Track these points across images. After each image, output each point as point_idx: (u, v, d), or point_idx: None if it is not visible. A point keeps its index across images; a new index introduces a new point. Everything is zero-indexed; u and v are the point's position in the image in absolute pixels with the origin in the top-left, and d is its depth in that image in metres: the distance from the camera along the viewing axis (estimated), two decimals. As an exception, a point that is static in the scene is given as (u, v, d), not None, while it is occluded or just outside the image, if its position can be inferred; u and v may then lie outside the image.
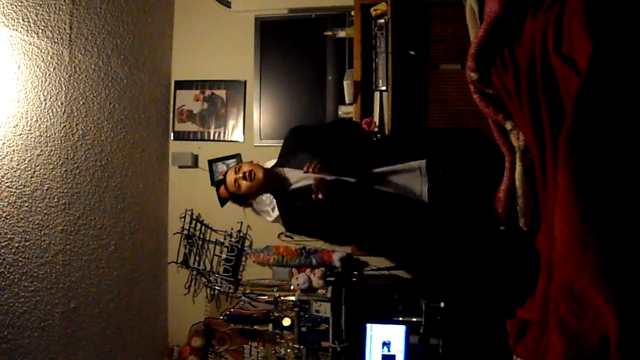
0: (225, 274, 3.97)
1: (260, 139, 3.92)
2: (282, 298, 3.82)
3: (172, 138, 4.18)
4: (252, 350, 3.93)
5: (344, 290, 3.15)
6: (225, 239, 4.02)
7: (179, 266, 4.09)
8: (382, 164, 2.45)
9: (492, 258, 2.67)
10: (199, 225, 4.07)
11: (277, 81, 3.91)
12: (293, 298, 3.75)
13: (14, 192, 2.85)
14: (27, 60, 2.93)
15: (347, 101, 3.53)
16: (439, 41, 3.50)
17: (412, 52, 3.45)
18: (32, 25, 2.93)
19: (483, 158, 2.37)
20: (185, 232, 4.07)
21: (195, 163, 4.12)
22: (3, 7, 2.77)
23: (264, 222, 3.84)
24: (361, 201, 2.41)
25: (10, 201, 2.83)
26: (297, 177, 2.49)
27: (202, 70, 4.14)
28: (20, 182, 2.88)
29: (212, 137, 4.09)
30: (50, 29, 3.05)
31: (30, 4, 2.92)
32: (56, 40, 3.09)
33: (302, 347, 3.76)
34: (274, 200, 3.65)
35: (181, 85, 4.17)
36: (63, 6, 3.12)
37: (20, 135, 2.89)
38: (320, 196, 2.29)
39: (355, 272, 3.69)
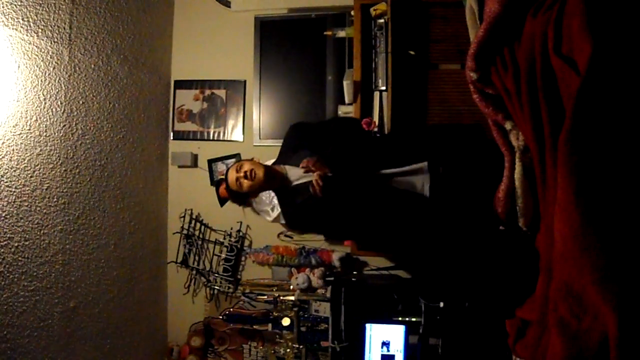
0: (225, 274, 3.97)
1: (260, 138, 3.93)
2: (281, 298, 3.82)
3: (171, 138, 4.18)
4: (252, 350, 3.93)
5: (343, 290, 3.15)
6: (224, 238, 4.02)
7: (178, 266, 4.09)
8: (384, 165, 2.45)
9: (491, 258, 2.67)
10: (198, 224, 4.07)
11: (276, 81, 3.91)
12: (292, 298, 3.75)
13: (14, 191, 2.85)
14: (27, 60, 2.93)
15: (346, 101, 3.53)
16: (439, 41, 3.50)
17: (412, 52, 3.45)
18: (32, 24, 2.93)
19: (484, 154, 2.37)
20: (185, 231, 4.07)
21: (194, 163, 4.12)
22: (3, 7, 2.77)
23: (264, 221, 3.84)
24: (362, 197, 2.41)
25: (9, 200, 2.83)
26: (298, 175, 2.50)
27: (201, 69, 4.14)
28: (19, 181, 2.88)
29: (211, 137, 4.09)
30: (50, 28, 3.05)
31: (30, 3, 2.92)
32: (56, 39, 3.09)
33: (301, 346, 3.76)
34: (274, 200, 3.66)
35: (181, 84, 4.17)
36: (63, 6, 3.12)
37: (19, 134, 2.89)
38: (317, 189, 2.29)
39: (355, 272, 3.69)
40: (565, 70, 1.66)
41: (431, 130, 3.30)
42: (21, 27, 2.88)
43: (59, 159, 3.14)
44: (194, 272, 4.08)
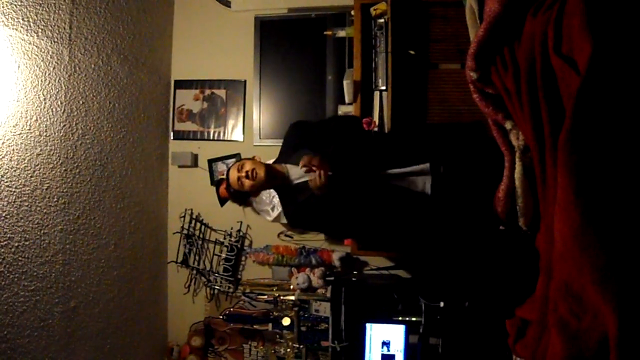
0: (225, 274, 3.97)
1: (260, 138, 3.93)
2: (281, 297, 3.82)
3: (171, 137, 4.18)
4: (252, 350, 3.93)
5: (343, 289, 3.15)
6: (225, 238, 4.02)
7: (178, 266, 4.09)
8: (386, 164, 2.45)
9: (491, 258, 2.67)
10: (198, 224, 4.08)
11: (276, 81, 3.91)
12: (293, 297, 3.76)
13: (14, 191, 2.85)
14: (27, 60, 2.93)
15: (346, 101, 3.53)
16: (439, 41, 3.49)
17: (412, 52, 3.45)
18: (32, 24, 2.93)
19: (484, 153, 2.37)
20: (185, 231, 4.07)
21: (195, 162, 4.12)
22: (3, 7, 2.77)
23: (264, 221, 3.85)
24: (364, 195, 2.42)
25: (9, 200, 2.83)
26: (299, 173, 2.49)
27: (201, 69, 4.14)
28: (19, 181, 2.88)
29: (211, 137, 4.09)
30: (50, 28, 3.05)
31: (30, 3, 2.92)
32: (56, 39, 3.09)
33: (301, 346, 3.76)
34: (274, 200, 3.67)
35: (181, 84, 4.17)
36: (63, 5, 3.12)
37: (19, 134, 2.89)
38: (320, 184, 2.29)
39: (355, 272, 3.69)
40: (565, 70, 1.66)
41: (432, 129, 3.30)
42: (21, 27, 2.88)
43: (59, 159, 3.14)
44: (194, 271, 4.08)
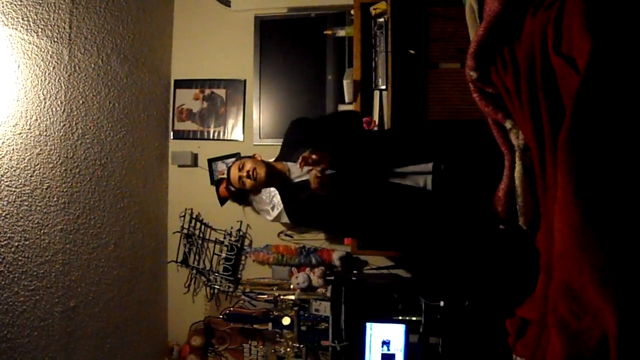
0: (225, 273, 3.97)
1: (260, 138, 3.93)
2: (281, 297, 3.82)
3: (171, 137, 4.18)
4: (252, 349, 3.93)
5: (343, 289, 3.15)
6: (224, 238, 4.02)
7: (178, 265, 4.09)
8: (387, 160, 2.44)
9: (492, 257, 2.67)
10: (198, 224, 4.08)
11: (276, 80, 3.91)
12: (293, 297, 3.76)
13: (14, 191, 2.85)
14: (27, 60, 2.93)
15: (346, 100, 3.53)
16: (439, 40, 3.50)
17: (411, 51, 3.45)
18: (31, 24, 2.93)
19: (485, 151, 2.36)
20: (185, 231, 4.07)
21: (194, 162, 4.12)
22: (3, 6, 2.77)
23: (264, 221, 3.85)
24: (365, 192, 2.41)
25: (9, 200, 2.83)
26: (300, 171, 2.49)
27: (201, 69, 4.14)
28: (19, 181, 2.88)
29: (211, 136, 4.09)
30: (50, 28, 3.05)
31: (30, 3, 2.92)
32: (56, 39, 3.09)
33: (301, 346, 3.76)
34: (274, 199, 3.67)
35: (181, 84, 4.17)
36: (63, 5, 3.12)
37: (19, 134, 2.89)
38: (317, 186, 2.28)
39: (355, 271, 3.69)
40: (565, 69, 1.66)
41: (432, 126, 3.30)
42: (21, 26, 2.88)
43: (59, 159, 3.14)
44: (194, 271, 4.09)
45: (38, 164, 3.00)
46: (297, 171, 2.52)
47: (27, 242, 2.92)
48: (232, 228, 4.01)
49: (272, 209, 3.72)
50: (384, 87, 3.39)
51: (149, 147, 3.95)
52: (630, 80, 1.50)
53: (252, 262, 3.97)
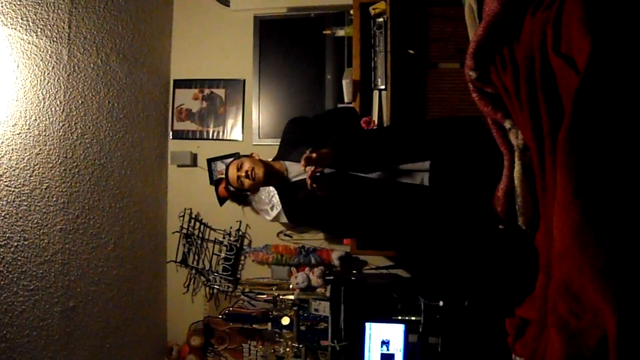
0: (224, 273, 3.97)
1: (259, 137, 3.92)
2: (281, 297, 3.82)
3: (171, 137, 4.18)
4: (251, 349, 3.93)
5: (342, 289, 3.15)
6: (224, 237, 4.02)
7: (178, 265, 4.09)
8: (385, 157, 2.44)
9: (491, 257, 2.67)
10: (197, 224, 4.08)
11: (276, 80, 3.91)
12: (292, 297, 3.76)
13: (13, 191, 2.85)
14: (26, 59, 2.93)
15: (346, 100, 3.53)
16: (438, 40, 3.50)
17: (411, 51, 3.45)
18: (31, 24, 2.93)
19: (483, 147, 2.36)
20: (184, 231, 4.07)
21: (194, 162, 4.12)
22: (2, 6, 2.77)
23: (263, 221, 3.85)
24: (362, 191, 2.41)
25: (9, 200, 2.82)
26: (298, 170, 2.49)
27: (201, 69, 4.14)
28: (19, 181, 2.88)
29: (211, 136, 4.09)
30: (49, 27, 3.05)
31: (29, 2, 2.92)
32: (55, 39, 3.09)
33: (301, 346, 3.76)
34: (273, 199, 3.67)
35: (180, 84, 4.17)
36: (62, 5, 3.12)
37: (19, 134, 2.89)
38: (314, 185, 2.28)
39: (354, 271, 3.69)
40: (564, 69, 1.66)
41: (430, 124, 3.29)
42: (20, 26, 2.88)
43: (58, 159, 3.14)
44: (194, 271, 4.09)
45: (37, 164, 3.00)
46: (295, 170, 2.53)
47: (26, 242, 2.92)
48: (231, 228, 4.01)
49: (272, 208, 3.72)
50: (383, 87, 3.39)
51: (148, 147, 3.95)
52: (630, 80, 1.50)
53: (252, 262, 3.97)
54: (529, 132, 1.88)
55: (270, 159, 2.68)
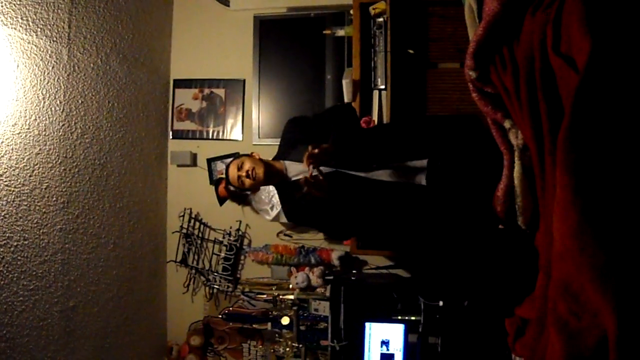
0: (224, 273, 3.97)
1: (259, 137, 3.92)
2: (281, 297, 3.82)
3: (170, 137, 4.18)
4: (251, 349, 3.93)
5: (342, 289, 3.15)
6: (224, 237, 4.02)
7: (177, 265, 4.09)
8: (384, 157, 2.44)
9: (491, 257, 2.68)
10: (197, 224, 4.08)
11: (275, 80, 3.91)
12: (292, 297, 3.75)
13: (13, 190, 2.85)
14: (26, 59, 2.93)
15: (345, 100, 3.52)
16: (438, 40, 3.50)
17: (411, 51, 3.45)
18: (30, 23, 2.93)
19: (481, 145, 2.36)
20: (184, 230, 4.07)
21: (194, 162, 4.12)
22: (2, 6, 2.77)
23: (263, 220, 3.85)
24: (361, 191, 2.42)
25: (8, 200, 2.82)
26: (298, 170, 2.50)
27: (201, 68, 4.14)
28: (19, 180, 2.88)
29: (210, 136, 4.09)
30: (49, 27, 3.05)
31: (29, 2, 2.92)
32: (55, 38, 3.09)
33: (301, 345, 3.76)
34: (273, 199, 3.67)
35: (180, 84, 4.17)
36: (62, 5, 3.12)
37: (19, 134, 2.89)
38: (311, 187, 2.28)
39: (354, 271, 3.69)
40: (564, 69, 1.66)
41: (429, 122, 3.29)
42: (20, 26, 2.88)
43: (58, 158, 3.14)
44: (194, 271, 4.09)
45: (37, 164, 3.00)
46: (294, 170, 2.53)
47: (26, 242, 2.92)
48: (231, 228, 4.01)
49: (271, 208, 3.72)
50: (383, 86, 3.39)
51: (148, 147, 3.95)
52: (630, 79, 1.50)
53: (251, 262, 3.97)
54: (528, 131, 1.88)
55: (270, 159, 2.68)
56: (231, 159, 2.67)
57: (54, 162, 3.11)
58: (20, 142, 2.90)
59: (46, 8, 3.02)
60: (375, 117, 3.43)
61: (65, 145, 3.19)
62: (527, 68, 1.86)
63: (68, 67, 3.20)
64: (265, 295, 3.89)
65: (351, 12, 3.54)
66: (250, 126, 3.96)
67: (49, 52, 3.06)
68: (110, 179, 3.55)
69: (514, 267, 2.41)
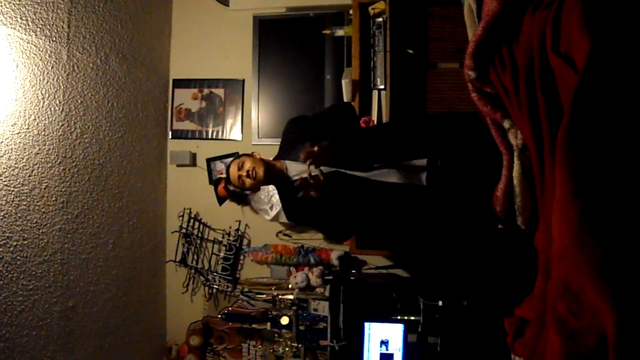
0: (224, 273, 3.97)
1: (259, 137, 3.92)
2: (280, 297, 3.82)
3: (170, 137, 4.18)
4: (251, 349, 3.93)
5: (342, 288, 3.15)
6: (223, 237, 4.02)
7: (177, 265, 4.09)
8: (383, 156, 2.45)
9: (490, 257, 2.67)
10: (197, 223, 4.08)
11: (275, 80, 3.91)
12: (291, 297, 3.75)
13: (12, 190, 2.85)
14: (25, 59, 2.93)
15: (345, 100, 3.52)
16: (437, 40, 3.50)
17: (410, 51, 3.45)
18: (30, 23, 2.93)
19: (482, 148, 2.36)
20: (184, 230, 4.07)
21: (193, 162, 4.12)
22: (1, 6, 2.77)
23: (262, 220, 3.85)
24: (361, 192, 2.42)
25: (8, 200, 2.82)
26: (298, 170, 2.50)
27: (200, 68, 4.14)
28: (18, 180, 2.88)
29: (210, 136, 4.09)
30: (49, 27, 3.05)
31: (29, 2, 2.92)
32: (54, 38, 3.09)
33: (300, 345, 3.76)
34: (272, 199, 3.67)
35: (179, 83, 4.17)
36: (61, 4, 3.12)
37: (18, 133, 2.89)
38: (312, 192, 2.28)
39: (354, 271, 3.69)
40: (563, 69, 1.66)
41: (429, 120, 3.29)
42: (19, 26, 2.88)
43: (58, 158, 3.14)
44: (193, 271, 4.09)
45: (36, 164, 3.00)
46: (295, 169, 2.54)
47: (25, 242, 2.92)
48: (230, 228, 4.01)
49: (271, 208, 3.72)
50: (382, 86, 3.39)
51: (147, 147, 3.95)
52: (629, 79, 1.50)
53: (251, 262, 3.97)
54: (528, 131, 1.88)
55: (271, 159, 2.69)
56: (231, 158, 2.67)
57: (53, 161, 3.11)
58: (20, 142, 2.90)
59: (45, 8, 3.02)
60: (374, 117, 3.43)
61: (65, 145, 3.19)
62: (527, 68, 1.86)
63: (67, 67, 3.20)
64: (264, 295, 3.89)
65: (350, 12, 3.54)
66: (250, 126, 3.96)
67: (49, 51, 3.06)
68: (109, 178, 3.55)
69: (513, 267, 2.41)
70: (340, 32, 3.69)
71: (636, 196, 1.46)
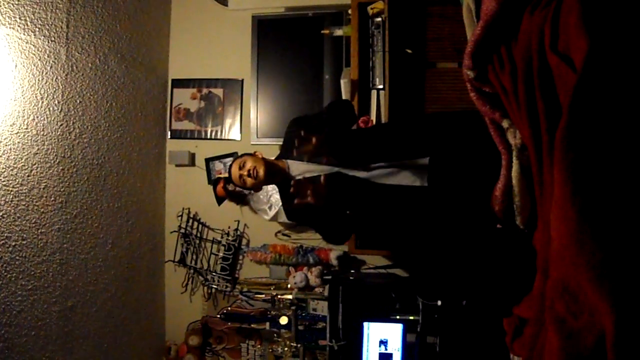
0: (223, 273, 3.97)
1: (257, 137, 3.92)
2: (279, 296, 3.82)
3: (169, 136, 4.18)
4: (250, 349, 3.93)
5: (341, 288, 3.16)
6: (222, 237, 4.02)
7: (176, 265, 4.09)
8: (383, 157, 2.45)
9: (489, 256, 2.67)
10: (196, 223, 4.07)
11: (274, 80, 3.91)
12: (290, 296, 3.75)
13: (11, 190, 2.84)
14: (24, 59, 2.93)
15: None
16: (436, 39, 3.50)
17: (409, 51, 3.45)
18: (29, 23, 2.93)
19: (482, 148, 2.36)
20: (182, 230, 4.07)
21: (192, 162, 4.12)
22: (0, 6, 2.76)
23: (261, 220, 3.85)
24: (362, 194, 2.42)
25: (7, 200, 2.82)
26: (300, 170, 2.51)
27: (199, 68, 4.14)
28: (17, 180, 2.88)
29: (209, 136, 4.09)
30: (47, 27, 3.05)
31: (27, 2, 2.92)
32: (53, 38, 3.09)
33: (299, 345, 3.76)
34: (271, 199, 3.67)
35: (178, 83, 4.17)
36: (60, 4, 3.11)
37: (17, 133, 2.89)
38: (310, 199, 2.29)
39: (353, 271, 3.69)
40: (561, 68, 1.66)
41: (428, 119, 3.29)
42: (18, 25, 2.87)
43: (56, 158, 3.13)
44: (192, 271, 4.08)
45: (35, 164, 2.99)
46: (296, 169, 2.54)
47: (24, 242, 2.92)
48: (229, 227, 4.01)
49: (270, 208, 3.72)
50: (381, 86, 3.39)
51: (146, 147, 3.95)
52: (627, 78, 1.50)
53: (250, 262, 3.97)
54: (526, 131, 1.88)
55: (273, 158, 2.69)
56: (230, 158, 2.68)
57: (52, 161, 3.11)
58: (19, 142, 2.90)
59: (44, 8, 3.02)
60: (373, 117, 3.43)
61: (64, 145, 3.18)
62: (525, 67, 1.86)
63: (66, 67, 3.20)
64: (263, 295, 3.89)
65: (349, 11, 3.54)
66: (249, 126, 3.96)
67: (47, 51, 3.06)
68: (108, 178, 3.55)
69: (512, 266, 2.41)
70: (339, 32, 3.69)
71: (635, 196, 1.47)
